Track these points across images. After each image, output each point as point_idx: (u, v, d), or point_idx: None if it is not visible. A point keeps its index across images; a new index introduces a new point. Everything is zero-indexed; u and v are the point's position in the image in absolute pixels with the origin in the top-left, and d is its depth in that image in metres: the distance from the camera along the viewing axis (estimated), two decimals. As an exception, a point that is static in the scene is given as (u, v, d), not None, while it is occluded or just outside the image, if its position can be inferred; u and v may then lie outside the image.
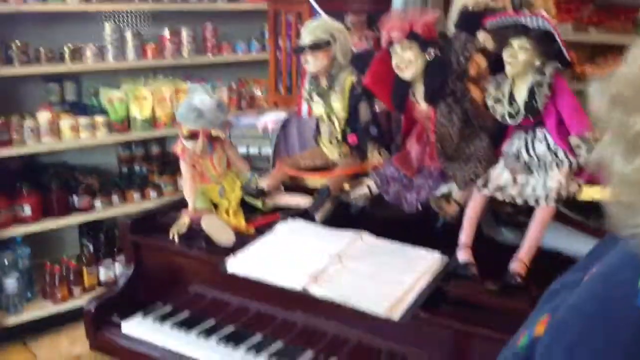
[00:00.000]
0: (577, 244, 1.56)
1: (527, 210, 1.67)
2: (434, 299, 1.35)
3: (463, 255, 1.41)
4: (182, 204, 1.80)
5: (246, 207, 1.80)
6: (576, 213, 1.57)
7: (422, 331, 1.37)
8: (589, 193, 1.43)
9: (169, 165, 3.82)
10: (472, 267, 1.38)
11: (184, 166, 1.72)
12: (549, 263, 1.44)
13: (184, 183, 1.73)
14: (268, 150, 1.89)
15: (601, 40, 3.73)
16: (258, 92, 3.70)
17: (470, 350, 1.33)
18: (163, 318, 1.71)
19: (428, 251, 1.47)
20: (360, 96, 1.71)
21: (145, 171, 3.77)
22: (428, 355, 1.39)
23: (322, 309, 1.48)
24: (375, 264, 1.46)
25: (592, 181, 1.43)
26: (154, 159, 3.84)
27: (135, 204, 3.50)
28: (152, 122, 3.47)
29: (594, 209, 1.47)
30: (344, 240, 1.55)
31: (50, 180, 3.27)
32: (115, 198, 3.48)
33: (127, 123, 3.40)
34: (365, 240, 1.55)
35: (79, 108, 3.39)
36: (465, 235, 1.44)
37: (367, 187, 1.62)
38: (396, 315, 1.31)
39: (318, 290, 1.40)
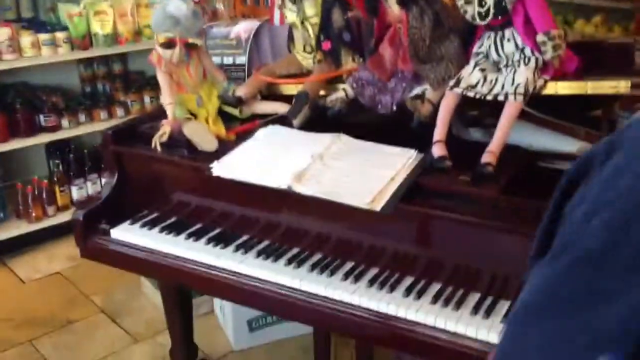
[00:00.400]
0: (541, 139, 1.68)
1: (490, 113, 1.77)
2: (412, 191, 1.45)
3: (438, 150, 1.50)
4: (161, 114, 1.83)
5: (224, 117, 1.84)
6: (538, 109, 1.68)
7: (403, 221, 1.48)
8: (554, 88, 1.52)
9: (133, 82, 3.78)
10: (446, 161, 1.47)
11: (160, 75, 1.74)
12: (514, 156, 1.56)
13: (162, 92, 1.75)
14: (243, 59, 1.91)
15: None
16: (220, 6, 3.64)
17: (447, 234, 1.45)
18: (151, 223, 1.78)
19: (404, 149, 1.55)
20: (333, 2, 1.74)
21: (109, 89, 3.73)
22: (407, 244, 1.51)
23: (306, 207, 1.58)
24: (355, 162, 1.54)
25: (557, 76, 1.53)
26: (116, 77, 3.79)
27: (103, 122, 3.48)
28: (115, 38, 3.40)
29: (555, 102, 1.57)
30: (324, 142, 1.62)
31: (14, 100, 3.21)
32: (81, 117, 3.46)
33: (88, 40, 3.32)
34: (344, 141, 1.63)
35: (36, 25, 3.29)
36: (439, 132, 1.53)
37: (343, 91, 1.68)
38: (378, 206, 1.40)
39: (302, 189, 1.48)
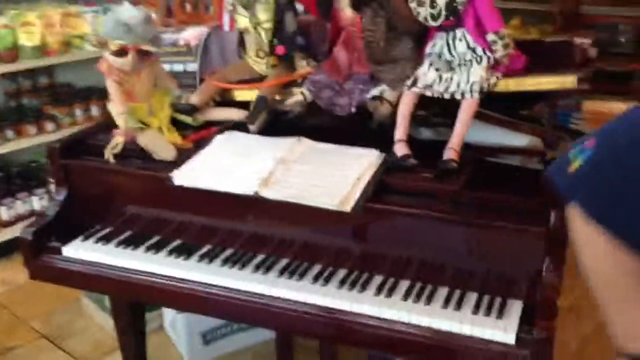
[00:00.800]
0: (492, 135, 1.74)
1: (440, 113, 1.82)
2: (379, 190, 1.47)
3: (400, 149, 1.53)
4: (109, 124, 1.77)
5: (176, 125, 1.79)
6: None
7: (371, 221, 1.49)
8: (506, 85, 1.58)
9: (62, 95, 3.64)
10: (410, 159, 1.50)
11: (111, 85, 1.68)
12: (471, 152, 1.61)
13: (113, 102, 1.69)
14: (193, 66, 1.88)
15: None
16: (152, 15, 3.56)
17: (414, 231, 1.47)
18: (106, 238, 1.71)
19: (367, 149, 1.57)
20: (286, 6, 1.74)
21: (37, 103, 3.57)
22: (375, 243, 1.53)
23: (271, 212, 1.56)
24: (319, 165, 1.54)
25: (508, 74, 1.59)
26: (43, 90, 3.63)
27: (32, 138, 3.34)
28: (42, 50, 3.25)
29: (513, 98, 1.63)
30: (285, 146, 1.61)
31: None
32: (9, 133, 3.29)
33: (15, 52, 3.17)
34: (305, 145, 1.62)
35: (-43, 38, 3.11)
36: (400, 131, 1.55)
37: (301, 94, 1.68)
38: (348, 207, 1.41)
39: (270, 193, 1.47)
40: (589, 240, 0.81)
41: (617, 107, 3.58)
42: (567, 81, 1.57)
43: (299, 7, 1.80)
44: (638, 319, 0.83)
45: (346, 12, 1.66)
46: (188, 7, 2.47)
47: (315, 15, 1.73)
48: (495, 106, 1.74)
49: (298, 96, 1.68)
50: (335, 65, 1.71)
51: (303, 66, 1.77)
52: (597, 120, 3.65)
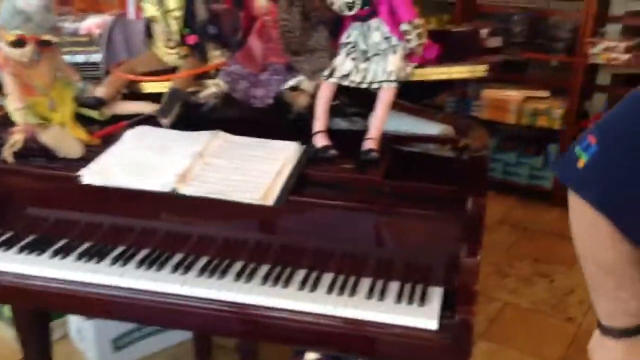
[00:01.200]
0: (406, 124, 1.77)
1: (354, 103, 1.83)
2: (301, 182, 1.45)
3: (321, 140, 1.51)
4: (6, 122, 1.64)
5: (80, 120, 1.69)
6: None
7: (294, 214, 1.47)
8: (420, 74, 1.60)
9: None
10: (331, 150, 1.49)
11: (7, 77, 1.54)
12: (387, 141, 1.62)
13: (10, 97, 1.56)
14: (97, 57, 1.77)
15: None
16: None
17: (338, 223, 1.47)
18: (6, 244, 1.58)
19: (287, 142, 1.54)
20: (195, -7, 1.67)
21: None
22: (298, 236, 1.51)
23: (189, 209, 1.50)
24: (238, 159, 1.50)
25: (423, 63, 1.61)
26: None
27: None
28: None
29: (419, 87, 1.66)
30: (202, 140, 1.55)
31: None
32: None
33: None
34: (223, 138, 1.57)
35: None
36: (320, 122, 1.54)
37: (216, 86, 1.62)
38: (270, 201, 1.38)
39: (189, 190, 1.41)
40: (595, 230, 0.86)
41: (514, 94, 3.77)
42: (477, 70, 1.62)
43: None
44: (624, 300, 0.91)
45: (260, 1, 1.62)
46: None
47: (228, 4, 1.68)
48: (404, 96, 1.76)
49: (212, 88, 1.62)
50: (250, 55, 1.66)
51: (216, 56, 1.72)
52: (495, 107, 3.82)
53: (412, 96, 1.85)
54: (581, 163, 0.84)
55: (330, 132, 1.62)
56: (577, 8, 3.44)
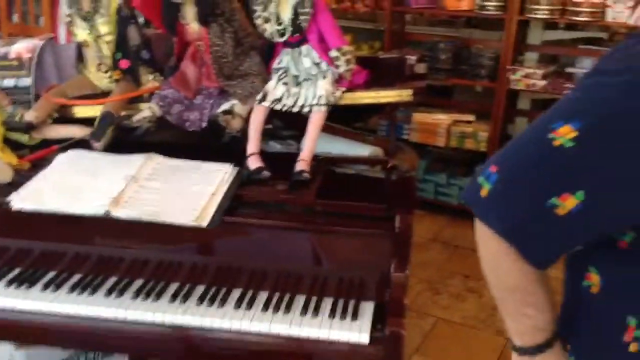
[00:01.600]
0: (337, 146, 1.83)
1: (287, 126, 1.89)
2: (235, 204, 1.48)
3: (254, 162, 1.55)
4: None
5: (8, 145, 1.66)
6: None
7: (229, 235, 1.49)
8: (349, 98, 1.67)
9: None
10: (264, 172, 1.53)
11: None
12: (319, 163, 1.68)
13: None
14: (27, 81, 1.75)
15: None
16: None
17: (273, 243, 1.50)
18: None
19: (221, 164, 1.57)
20: (129, 19, 1.69)
21: None
22: (233, 256, 1.53)
23: (123, 232, 1.50)
24: (173, 181, 1.52)
25: (351, 88, 1.68)
26: None
27: None
28: None
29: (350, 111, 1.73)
30: (135, 164, 1.56)
31: None
32: None
33: None
34: (157, 161, 1.59)
35: None
36: (253, 145, 1.58)
37: (150, 109, 1.64)
38: (204, 222, 1.40)
39: (122, 213, 1.42)
40: (497, 256, 0.89)
41: (442, 118, 3.93)
42: (403, 94, 1.70)
43: (143, 20, 1.77)
44: (532, 316, 0.95)
45: (192, 27, 1.66)
46: (16, 18, 2.29)
47: (161, 29, 1.70)
48: (336, 119, 1.83)
49: (146, 111, 1.64)
50: (183, 79, 1.69)
51: (149, 80, 1.74)
52: (425, 130, 3.97)
53: (345, 120, 1.93)
54: (484, 192, 0.86)
55: (266, 155, 1.67)
56: (498, 37, 3.64)
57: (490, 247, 0.90)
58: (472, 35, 3.96)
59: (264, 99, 1.61)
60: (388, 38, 3.84)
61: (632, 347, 0.86)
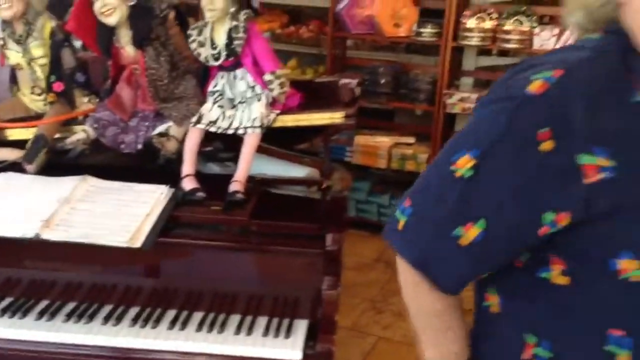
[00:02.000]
0: (273, 168, 1.87)
1: (225, 148, 1.92)
2: (170, 225, 1.50)
3: (189, 183, 1.57)
4: None
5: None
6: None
7: (163, 255, 1.51)
8: (283, 120, 1.72)
9: None
10: (199, 192, 1.55)
11: None
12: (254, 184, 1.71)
13: None
14: (-43, 104, 1.73)
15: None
16: None
17: (207, 263, 1.52)
18: None
19: (155, 185, 1.59)
20: (63, 42, 1.70)
21: None
22: (168, 277, 1.54)
23: (55, 255, 1.50)
24: (107, 203, 1.53)
25: (284, 111, 1.73)
26: None
27: None
28: None
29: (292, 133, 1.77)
30: (68, 186, 1.56)
31: None
32: None
33: None
34: (91, 183, 1.59)
35: None
36: (188, 166, 1.61)
37: (84, 132, 1.65)
38: (138, 243, 1.42)
39: (53, 235, 1.41)
40: (414, 285, 0.94)
41: (383, 140, 4.02)
42: (335, 117, 1.76)
43: (78, 43, 1.78)
44: (448, 344, 0.99)
45: (127, 50, 1.68)
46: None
47: (96, 52, 1.72)
48: (277, 141, 1.88)
49: (80, 134, 1.65)
50: (119, 102, 1.71)
51: (85, 103, 1.74)
52: (367, 152, 4.05)
53: (288, 141, 1.97)
54: (400, 225, 0.91)
55: (204, 176, 1.69)
56: (435, 63, 3.78)
57: (407, 277, 0.94)
58: (411, 60, 4.09)
59: (199, 121, 1.64)
60: (330, 62, 3.93)
61: None
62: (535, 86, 0.79)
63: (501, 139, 0.81)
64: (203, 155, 1.90)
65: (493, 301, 0.96)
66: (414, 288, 0.95)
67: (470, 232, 0.84)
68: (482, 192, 0.83)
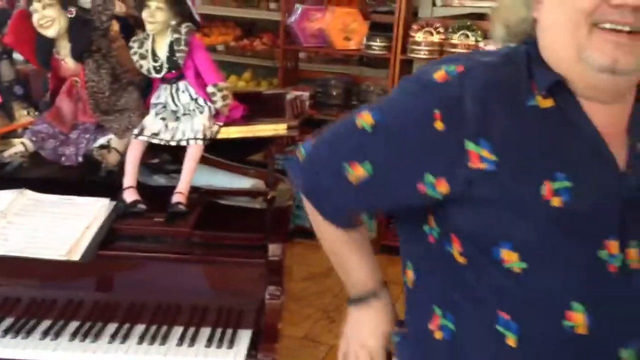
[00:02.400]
0: (218, 179, 1.88)
1: (172, 160, 1.91)
2: (111, 237, 1.49)
3: (130, 195, 1.57)
4: None
5: None
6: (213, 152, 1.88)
7: (103, 269, 1.50)
8: (227, 132, 1.73)
9: None
10: (140, 204, 1.55)
11: None
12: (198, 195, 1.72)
13: None
14: None
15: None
16: None
17: (149, 275, 1.52)
18: None
19: (96, 198, 1.58)
20: (1, 55, 1.68)
21: None
22: (110, 290, 1.53)
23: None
24: (45, 217, 1.51)
25: (228, 122, 1.74)
26: None
27: None
28: None
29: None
30: (5, 199, 1.54)
31: None
32: None
33: None
34: (28, 196, 1.57)
35: None
36: (129, 178, 1.60)
37: (22, 145, 1.63)
38: (76, 256, 1.40)
39: (-13, 249, 1.39)
40: (313, 217, 1.07)
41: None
42: (279, 128, 1.78)
43: (18, 56, 1.76)
44: (348, 274, 1.13)
45: (67, 62, 1.67)
46: None
47: (35, 65, 1.70)
48: (228, 152, 1.88)
49: (18, 147, 1.63)
50: (59, 114, 1.69)
51: (24, 116, 1.72)
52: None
53: (237, 153, 1.98)
54: (300, 158, 1.03)
55: (150, 189, 1.69)
56: (385, 75, 3.85)
57: (308, 208, 1.06)
58: (362, 72, 4.15)
59: (140, 133, 1.64)
60: (282, 75, 3.95)
61: (437, 335, 0.97)
62: (438, 75, 0.90)
63: (403, 109, 0.93)
64: (149, 168, 1.90)
65: (409, 277, 1.04)
66: (313, 218, 1.07)
67: (357, 171, 0.94)
68: (374, 144, 0.93)
